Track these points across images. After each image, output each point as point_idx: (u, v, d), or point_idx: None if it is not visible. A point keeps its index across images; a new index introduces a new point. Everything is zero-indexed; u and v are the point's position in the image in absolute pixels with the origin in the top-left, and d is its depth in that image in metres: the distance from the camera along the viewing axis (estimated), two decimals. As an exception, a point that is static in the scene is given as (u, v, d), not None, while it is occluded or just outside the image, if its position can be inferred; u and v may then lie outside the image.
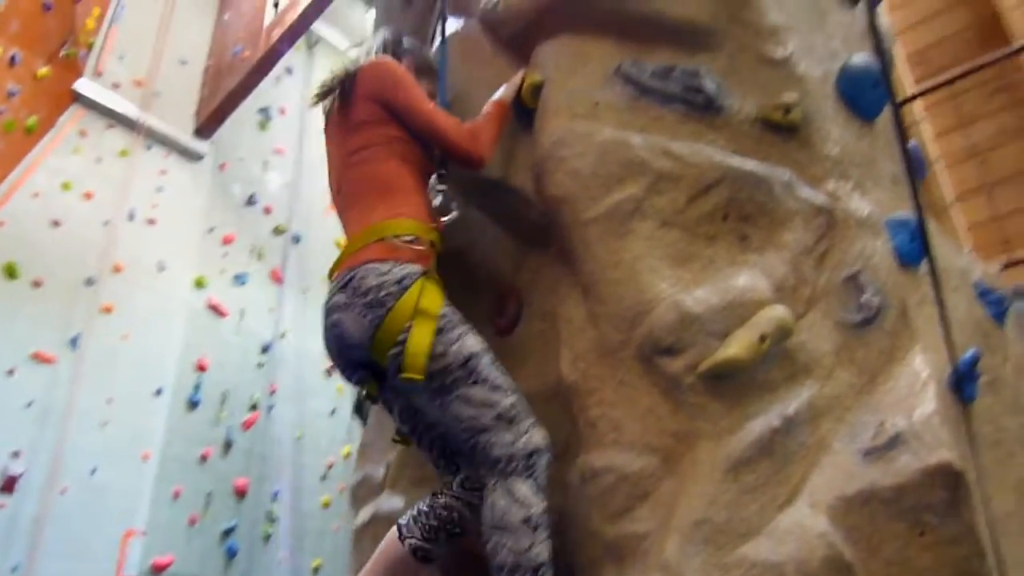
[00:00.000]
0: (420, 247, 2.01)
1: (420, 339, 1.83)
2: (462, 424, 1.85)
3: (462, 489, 1.96)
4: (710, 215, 2.07)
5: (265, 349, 7.76)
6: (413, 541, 1.89)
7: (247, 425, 7.41)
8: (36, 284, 6.35)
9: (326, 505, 7.68)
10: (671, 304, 1.92)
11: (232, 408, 7.35)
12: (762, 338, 1.87)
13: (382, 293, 1.88)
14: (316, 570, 7.35)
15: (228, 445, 7.21)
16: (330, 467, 7.82)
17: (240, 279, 7.82)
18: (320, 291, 8.25)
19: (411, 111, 2.13)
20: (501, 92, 2.33)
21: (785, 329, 1.92)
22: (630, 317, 1.96)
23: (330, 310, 1.98)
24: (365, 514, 2.36)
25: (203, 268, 7.55)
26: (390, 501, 2.31)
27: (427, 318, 1.86)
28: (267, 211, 8.37)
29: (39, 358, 6.20)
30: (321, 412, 7.92)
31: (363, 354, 1.93)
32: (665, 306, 1.92)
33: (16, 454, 5.87)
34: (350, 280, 1.94)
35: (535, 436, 1.83)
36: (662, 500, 1.84)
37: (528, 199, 2.27)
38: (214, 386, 7.28)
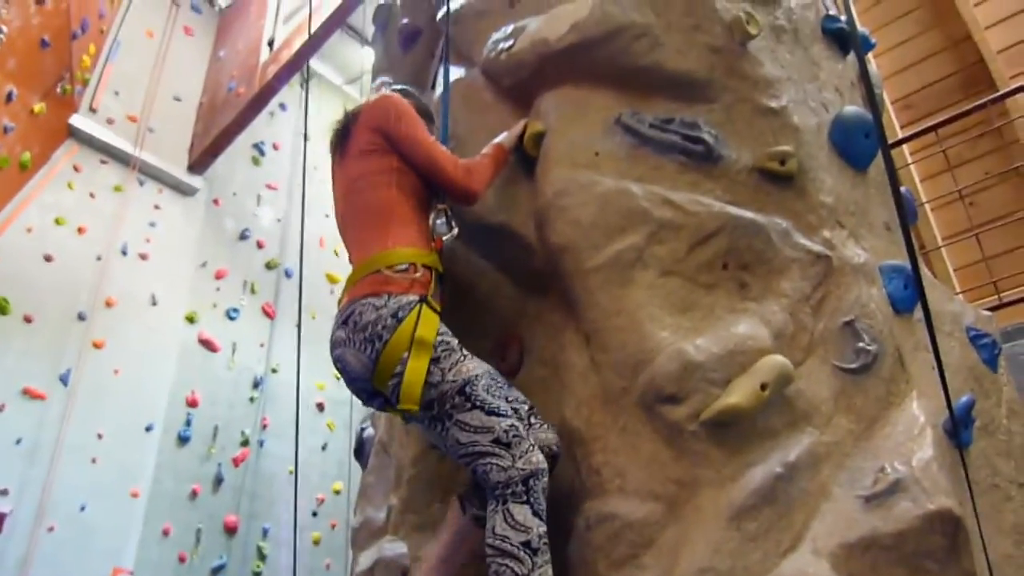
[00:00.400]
0: (416, 275, 2.05)
1: (416, 370, 1.89)
2: (461, 450, 1.89)
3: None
4: (710, 264, 2.12)
5: (256, 384, 7.73)
6: (472, 511, 2.02)
7: (237, 461, 7.35)
8: (27, 319, 6.33)
9: (317, 542, 7.61)
10: (673, 352, 1.95)
11: (223, 444, 7.30)
12: (763, 386, 1.90)
13: (379, 327, 1.93)
14: (306, 608, 7.27)
15: (218, 481, 7.15)
16: (321, 503, 7.76)
17: (232, 314, 7.81)
18: (311, 326, 8.26)
19: (411, 142, 2.19)
20: (502, 137, 2.38)
21: (786, 377, 1.95)
22: (632, 365, 1.99)
23: (333, 345, 2.06)
24: (367, 559, 2.36)
25: (195, 303, 7.55)
26: (393, 547, 2.31)
27: (423, 348, 1.91)
28: (260, 246, 8.38)
29: (29, 394, 6.16)
30: (312, 447, 7.88)
31: (368, 386, 1.99)
32: (667, 354, 1.96)
33: (4, 491, 5.81)
34: (350, 315, 2.00)
35: (533, 459, 1.85)
36: (666, 547, 1.86)
37: (530, 246, 2.31)
38: (205, 421, 7.24)
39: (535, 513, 1.80)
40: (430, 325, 1.96)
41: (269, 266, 8.34)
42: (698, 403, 1.91)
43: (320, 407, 8.09)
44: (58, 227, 6.81)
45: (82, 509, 6.16)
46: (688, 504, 1.88)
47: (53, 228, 6.77)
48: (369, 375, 1.96)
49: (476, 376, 1.94)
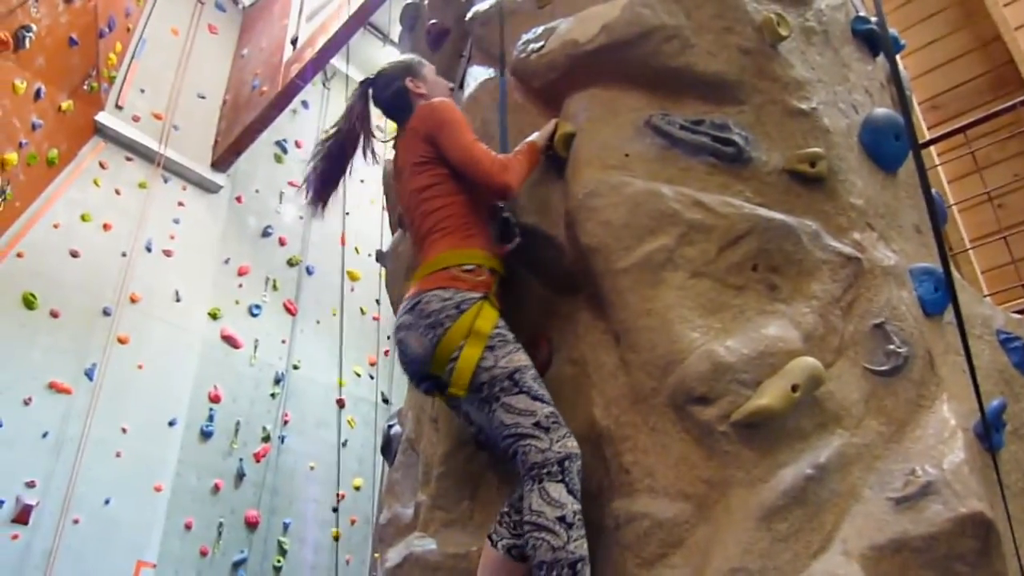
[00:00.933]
0: (481, 276, 2.19)
1: (469, 357, 2.04)
2: (504, 431, 1.99)
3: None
4: (740, 265, 2.12)
5: (278, 380, 7.79)
6: (505, 542, 2.04)
7: (259, 456, 7.42)
8: (54, 314, 6.42)
9: (337, 538, 7.65)
10: (704, 353, 1.96)
11: (244, 439, 7.37)
12: (794, 388, 1.91)
13: (442, 315, 2.09)
14: (326, 603, 7.32)
15: (240, 476, 7.22)
16: (341, 499, 7.80)
17: (254, 310, 7.87)
18: (332, 323, 8.33)
19: (452, 144, 2.29)
20: (534, 136, 2.41)
21: (817, 379, 1.95)
22: (662, 365, 2.00)
23: (398, 328, 2.21)
24: (396, 555, 2.38)
25: (218, 299, 7.62)
26: (423, 543, 2.33)
27: (479, 338, 2.06)
28: (282, 243, 8.45)
29: (55, 388, 6.24)
30: (332, 444, 7.93)
31: (425, 369, 2.13)
32: (697, 355, 1.96)
33: (31, 484, 5.89)
34: (417, 304, 2.15)
35: (568, 443, 1.95)
36: (696, 547, 1.87)
37: (560, 247, 2.33)
38: (227, 417, 7.31)
39: (570, 492, 1.88)
40: (489, 319, 2.11)
41: (291, 263, 8.41)
42: (728, 404, 1.91)
43: (340, 404, 8.14)
44: (84, 223, 6.90)
45: (106, 503, 6.24)
46: (718, 504, 1.88)
47: (79, 224, 6.87)
48: (427, 358, 2.10)
49: (526, 366, 2.07)
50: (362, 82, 2.67)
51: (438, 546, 2.28)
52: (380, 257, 3.51)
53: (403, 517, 2.59)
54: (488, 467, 2.38)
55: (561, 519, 1.83)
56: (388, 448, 2.90)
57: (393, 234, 3.22)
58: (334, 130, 2.62)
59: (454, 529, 2.33)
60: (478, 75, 2.86)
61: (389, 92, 2.59)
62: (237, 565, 6.92)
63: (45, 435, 6.08)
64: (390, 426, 2.99)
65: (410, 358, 2.16)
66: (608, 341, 2.19)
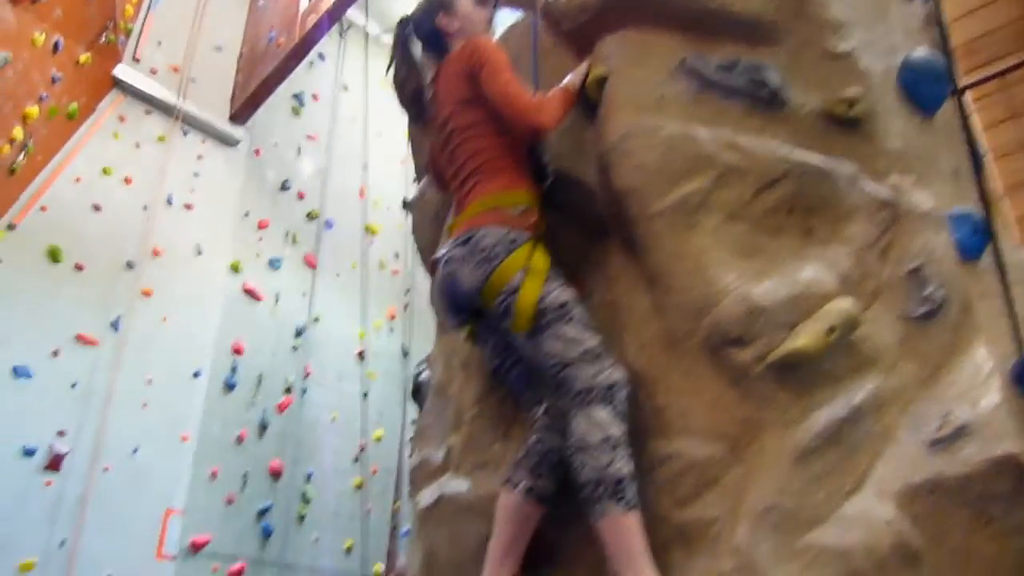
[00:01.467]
0: (531, 218, 2.23)
1: (530, 294, 2.06)
2: (552, 359, 2.02)
3: (546, 418, 2.15)
4: (775, 208, 2.10)
5: (299, 333, 7.85)
6: (522, 484, 2.07)
7: (281, 408, 7.52)
8: (78, 267, 6.47)
9: (359, 487, 7.78)
10: (739, 296, 1.96)
11: (267, 391, 7.46)
12: (830, 330, 1.90)
13: (497, 249, 2.12)
14: (349, 550, 7.47)
15: (263, 427, 7.33)
16: (362, 450, 7.91)
17: (274, 263, 7.91)
18: (351, 276, 8.37)
19: (491, 82, 2.26)
20: (568, 79, 2.38)
21: (852, 322, 1.95)
22: (697, 308, 2.00)
23: (448, 261, 2.22)
24: (429, 496, 2.42)
25: (239, 253, 7.66)
26: (454, 484, 2.37)
27: (537, 274, 2.09)
28: (300, 196, 8.45)
29: (82, 340, 6.33)
30: (353, 396, 8.02)
31: (471, 301, 2.17)
32: (732, 298, 1.96)
33: (61, 433, 6.02)
34: (469, 238, 2.17)
35: (616, 372, 1.98)
36: (730, 487, 1.89)
37: (591, 191, 2.32)
38: (249, 369, 7.40)
39: (616, 416, 1.92)
40: (544, 257, 2.15)
41: (310, 216, 8.41)
42: (763, 346, 1.92)
43: (360, 356, 8.21)
44: (105, 177, 6.93)
45: (134, 452, 6.36)
46: (752, 445, 1.90)
47: (100, 178, 6.89)
48: (477, 291, 2.13)
49: (575, 298, 2.11)
50: (399, 24, 2.64)
51: (470, 487, 2.32)
52: (407, 204, 3.51)
53: (434, 460, 2.63)
54: (518, 411, 2.40)
55: (606, 440, 1.86)
56: (418, 393, 2.93)
57: (418, 182, 3.21)
58: (401, 82, 2.64)
59: (486, 470, 2.36)
60: (507, 18, 2.82)
61: (424, 31, 2.58)
62: (262, 513, 7.06)
63: (74, 386, 6.18)
64: (420, 371, 3.02)
65: (457, 291, 2.18)
66: (642, 286, 2.19)
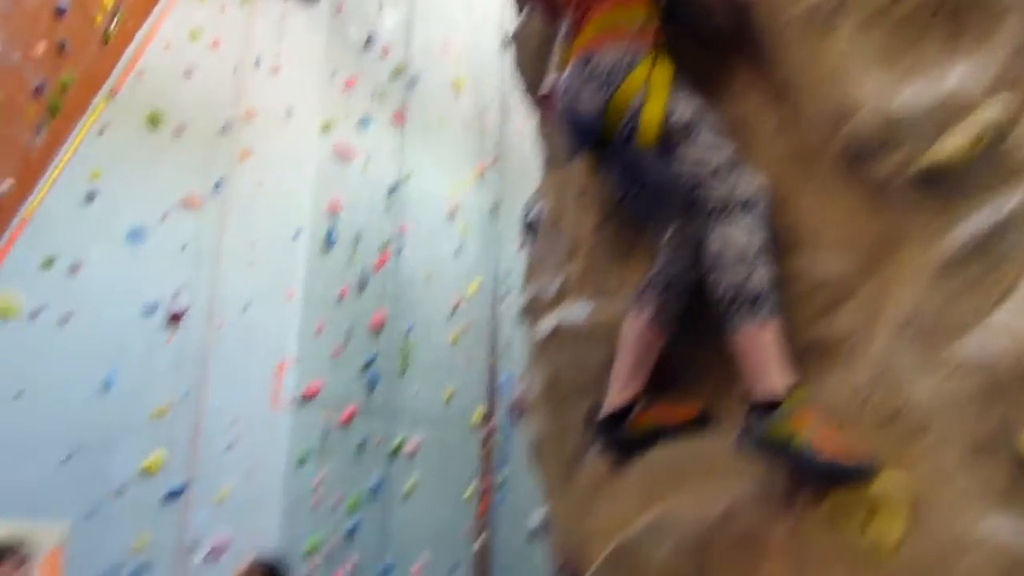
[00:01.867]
0: (651, 29, 2.12)
1: (655, 110, 1.97)
2: (683, 179, 1.97)
3: (675, 241, 2.13)
4: (918, 10, 1.94)
5: (391, 191, 7.93)
6: (648, 309, 2.09)
7: (378, 265, 7.71)
8: (177, 132, 6.63)
9: (455, 341, 8.03)
10: (879, 105, 1.84)
11: (364, 249, 7.64)
12: (977, 139, 1.79)
13: (617, 70, 2.02)
14: (449, 399, 7.81)
15: (363, 284, 7.56)
16: (457, 305, 8.11)
17: (364, 123, 7.91)
18: (440, 132, 8.33)
19: None
20: None
21: (1001, 130, 1.82)
22: (833, 120, 1.90)
23: (564, 92, 2.15)
24: (547, 325, 2.47)
25: (328, 113, 7.68)
26: (572, 311, 2.40)
27: (660, 88, 2.00)
28: (385, 52, 8.31)
29: (187, 203, 6.57)
30: (446, 252, 8.15)
31: (593, 125, 2.08)
32: (871, 108, 1.85)
33: (177, 293, 6.37)
34: (589, 60, 2.08)
35: (753, 183, 1.92)
36: (867, 299, 1.85)
37: (710, 2, 2.19)
38: (346, 228, 7.56)
39: (756, 226, 1.86)
40: (666, 69, 2.04)
41: (397, 71, 8.29)
42: (904, 157, 1.81)
43: (452, 214, 8.28)
44: (193, 42, 6.95)
45: (245, 309, 6.69)
46: (890, 258, 1.84)
47: (188, 44, 6.93)
48: (600, 115, 2.04)
49: (705, 106, 2.02)
50: None
51: (591, 312, 2.34)
52: (508, 40, 3.41)
53: (547, 294, 2.66)
54: (637, 237, 2.38)
55: (743, 255, 1.82)
56: (531, 228, 2.94)
57: (519, 13, 3.09)
58: None
59: (604, 298, 2.38)
60: None
61: None
62: (367, 365, 7.40)
63: (184, 248, 6.48)
64: (532, 206, 3.02)
65: (579, 115, 2.11)
66: (766, 101, 2.09)
